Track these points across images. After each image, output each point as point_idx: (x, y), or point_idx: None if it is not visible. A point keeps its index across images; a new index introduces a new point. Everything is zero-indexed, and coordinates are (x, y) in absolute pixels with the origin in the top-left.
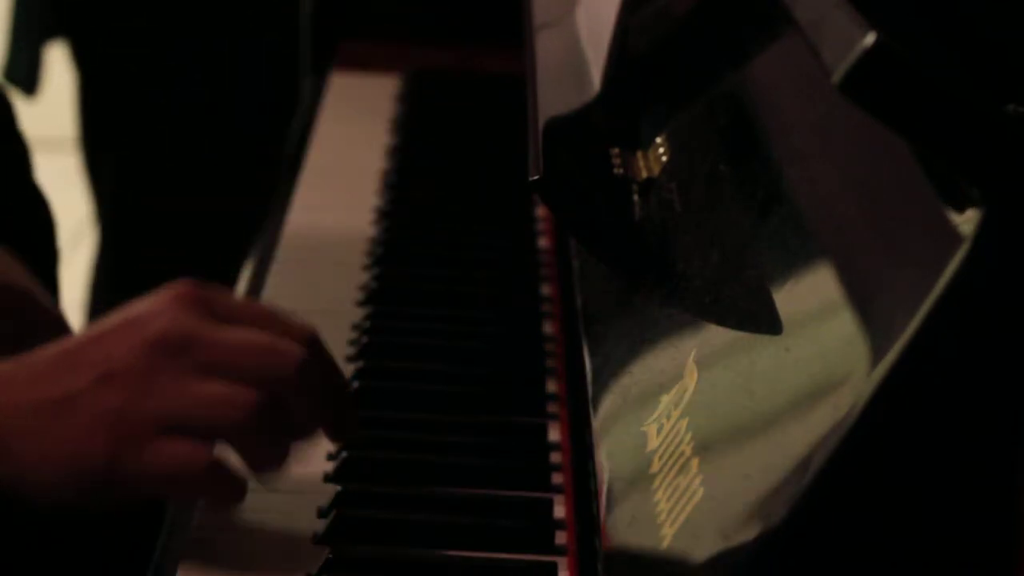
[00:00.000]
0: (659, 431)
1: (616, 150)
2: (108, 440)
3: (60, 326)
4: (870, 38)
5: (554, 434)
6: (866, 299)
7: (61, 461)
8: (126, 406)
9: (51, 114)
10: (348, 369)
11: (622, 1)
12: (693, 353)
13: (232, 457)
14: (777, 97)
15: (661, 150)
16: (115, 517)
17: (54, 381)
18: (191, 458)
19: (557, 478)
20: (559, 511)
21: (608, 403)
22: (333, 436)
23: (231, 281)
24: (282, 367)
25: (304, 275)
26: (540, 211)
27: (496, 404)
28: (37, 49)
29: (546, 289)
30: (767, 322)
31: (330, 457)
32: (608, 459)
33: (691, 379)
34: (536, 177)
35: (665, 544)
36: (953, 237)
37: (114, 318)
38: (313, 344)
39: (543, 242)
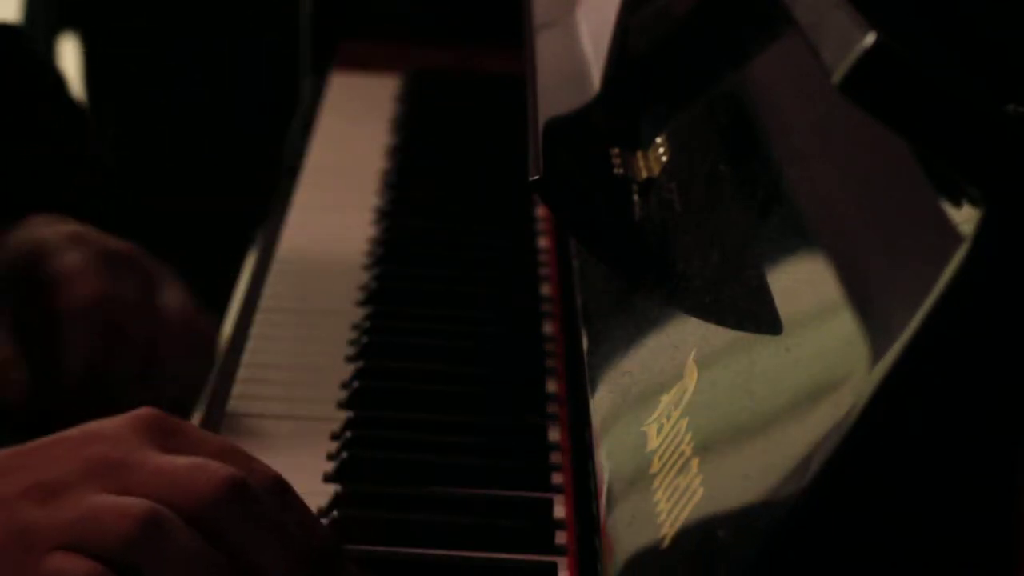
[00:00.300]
0: (659, 431)
1: (616, 150)
2: (13, 551)
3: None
4: (870, 38)
5: (554, 434)
6: (866, 299)
7: None
8: (39, 519)
9: None
10: (348, 369)
11: (622, 1)
12: (693, 353)
13: None
14: (777, 97)
15: (661, 150)
16: None
17: None
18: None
19: (557, 478)
20: (559, 511)
21: (608, 403)
22: None
23: (231, 281)
24: (202, 484)
25: (304, 275)
26: (540, 211)
27: (496, 404)
28: (49, 42)
29: (546, 289)
30: (767, 322)
31: (330, 457)
32: (608, 459)
33: (691, 379)
34: (536, 177)
35: (665, 544)
36: (953, 237)
37: (74, 430)
38: (276, 485)
39: (543, 242)
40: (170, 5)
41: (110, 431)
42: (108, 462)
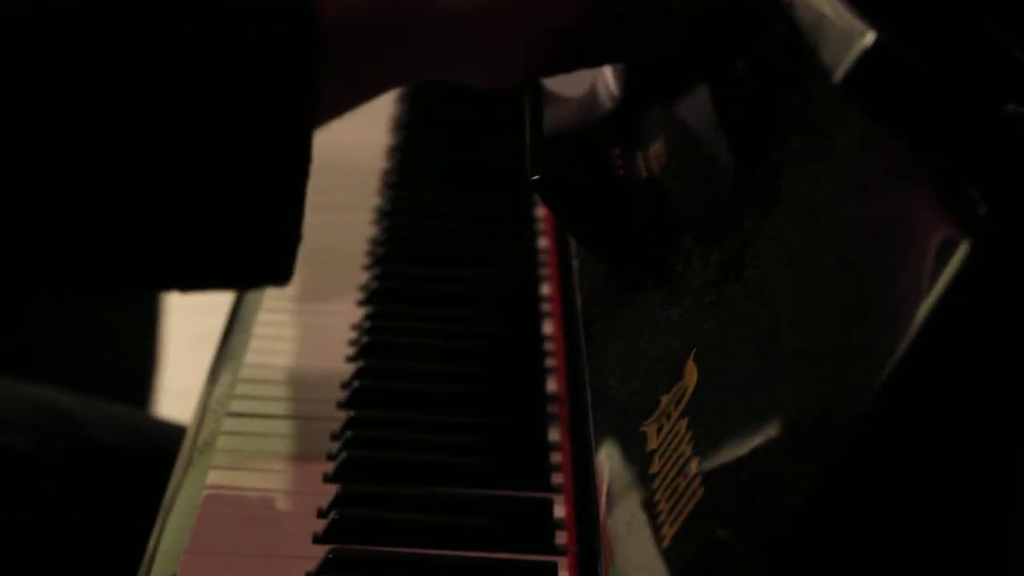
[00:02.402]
0: (659, 431)
1: (616, 150)
2: None
3: None
4: (870, 38)
5: (554, 434)
6: (866, 299)
7: None
8: None
9: None
10: (348, 369)
11: None
12: (693, 353)
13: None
14: (777, 96)
15: (661, 150)
16: (106, 531)
17: None
18: None
19: (557, 478)
20: (559, 511)
21: (608, 403)
22: None
23: None
24: None
25: (304, 275)
26: (540, 211)
27: (496, 404)
28: None
29: (546, 289)
30: (767, 322)
31: (330, 457)
32: (608, 459)
33: (691, 379)
34: (536, 177)
35: (665, 544)
36: (953, 237)
37: None
38: None
39: (543, 242)
40: None
41: None
42: None
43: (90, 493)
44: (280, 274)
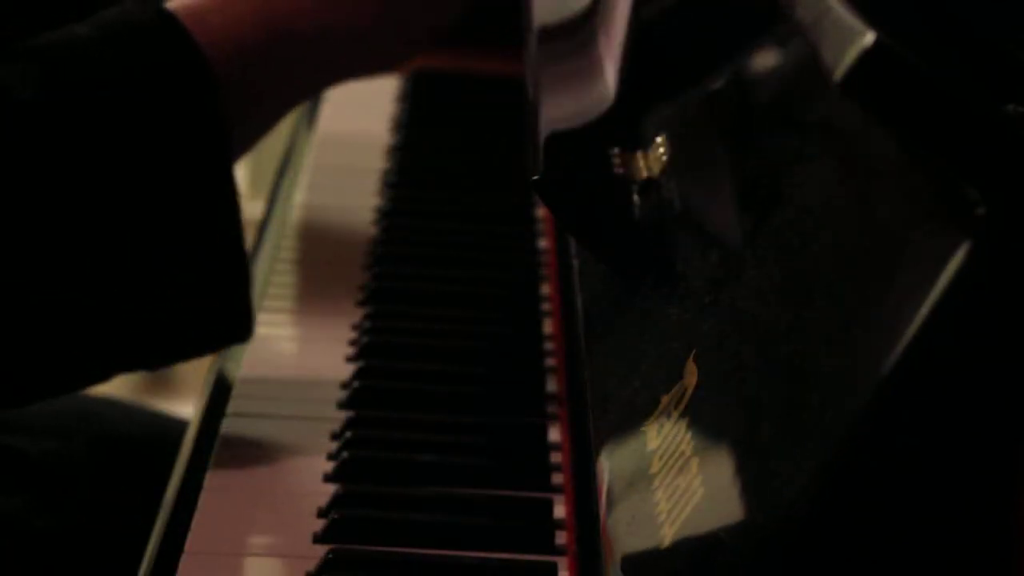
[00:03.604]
0: (659, 431)
1: (616, 150)
2: None
3: None
4: (870, 37)
5: (554, 434)
6: (866, 300)
7: None
8: None
9: None
10: (348, 369)
11: (633, 2)
12: (693, 353)
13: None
14: (777, 97)
15: (661, 150)
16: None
17: None
18: None
19: (557, 478)
20: (559, 511)
21: (608, 403)
22: None
23: None
24: None
25: (304, 275)
26: (540, 211)
27: (496, 404)
28: None
29: (546, 289)
30: (767, 322)
31: (330, 457)
32: (608, 459)
33: (691, 379)
34: (536, 177)
35: (665, 544)
36: (953, 237)
37: None
38: None
39: (543, 242)
40: None
41: None
42: None
43: (114, 491)
44: (240, 329)
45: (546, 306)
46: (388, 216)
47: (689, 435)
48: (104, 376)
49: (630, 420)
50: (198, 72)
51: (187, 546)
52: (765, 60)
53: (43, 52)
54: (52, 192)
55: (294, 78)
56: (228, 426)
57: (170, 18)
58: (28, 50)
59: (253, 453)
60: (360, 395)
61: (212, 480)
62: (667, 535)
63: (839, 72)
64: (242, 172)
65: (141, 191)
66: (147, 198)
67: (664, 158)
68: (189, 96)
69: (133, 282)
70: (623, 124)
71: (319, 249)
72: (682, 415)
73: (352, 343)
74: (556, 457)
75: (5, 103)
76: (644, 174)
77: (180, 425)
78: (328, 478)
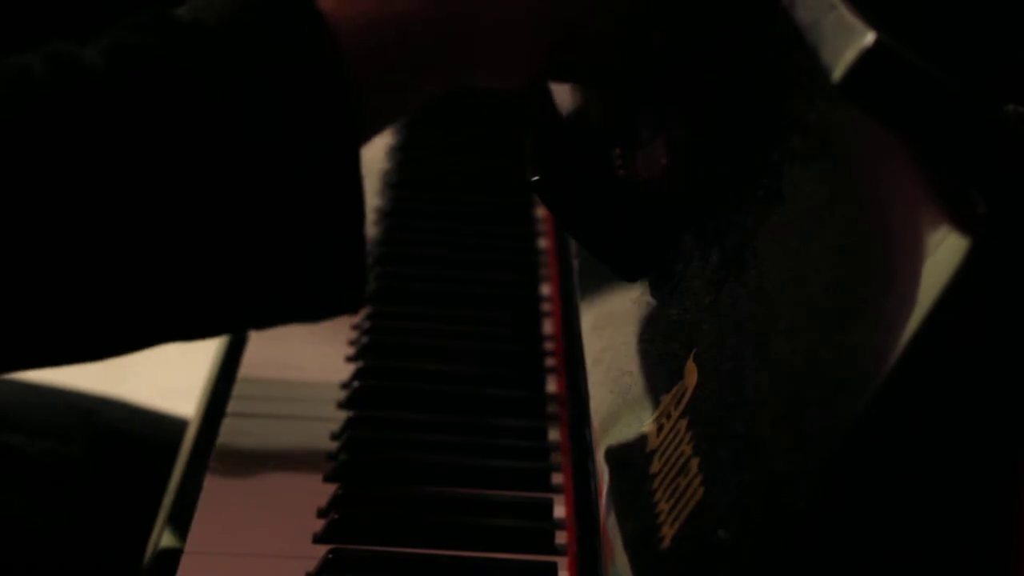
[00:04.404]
0: (659, 431)
1: (616, 150)
2: None
3: None
4: (870, 37)
5: (554, 434)
6: (867, 299)
7: None
8: None
9: None
10: (348, 369)
11: None
12: (693, 353)
13: None
14: (777, 97)
15: (661, 150)
16: (106, 527)
17: None
18: None
19: (557, 478)
20: (559, 511)
21: (608, 403)
22: None
23: None
24: None
25: None
26: (540, 211)
27: (496, 404)
28: None
29: (546, 289)
30: (767, 322)
31: (330, 457)
32: (608, 459)
33: (691, 379)
34: (536, 177)
35: (665, 544)
36: (953, 237)
37: None
38: None
39: (543, 242)
40: None
41: None
42: None
43: (113, 490)
44: (351, 299)
45: (546, 306)
46: (388, 216)
47: (689, 435)
48: (214, 331)
49: (630, 420)
50: (326, 59)
51: (187, 546)
52: (765, 60)
53: (170, 23)
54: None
55: (428, 66)
56: (228, 426)
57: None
58: (155, 19)
59: (253, 453)
60: (360, 395)
61: (212, 480)
62: (667, 535)
63: (839, 72)
64: None
65: (260, 179)
66: (265, 184)
67: (664, 158)
68: (317, 85)
69: (249, 251)
70: (623, 124)
71: None
72: (682, 415)
73: (352, 343)
74: (556, 457)
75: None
76: (644, 174)
77: (180, 425)
78: (328, 478)
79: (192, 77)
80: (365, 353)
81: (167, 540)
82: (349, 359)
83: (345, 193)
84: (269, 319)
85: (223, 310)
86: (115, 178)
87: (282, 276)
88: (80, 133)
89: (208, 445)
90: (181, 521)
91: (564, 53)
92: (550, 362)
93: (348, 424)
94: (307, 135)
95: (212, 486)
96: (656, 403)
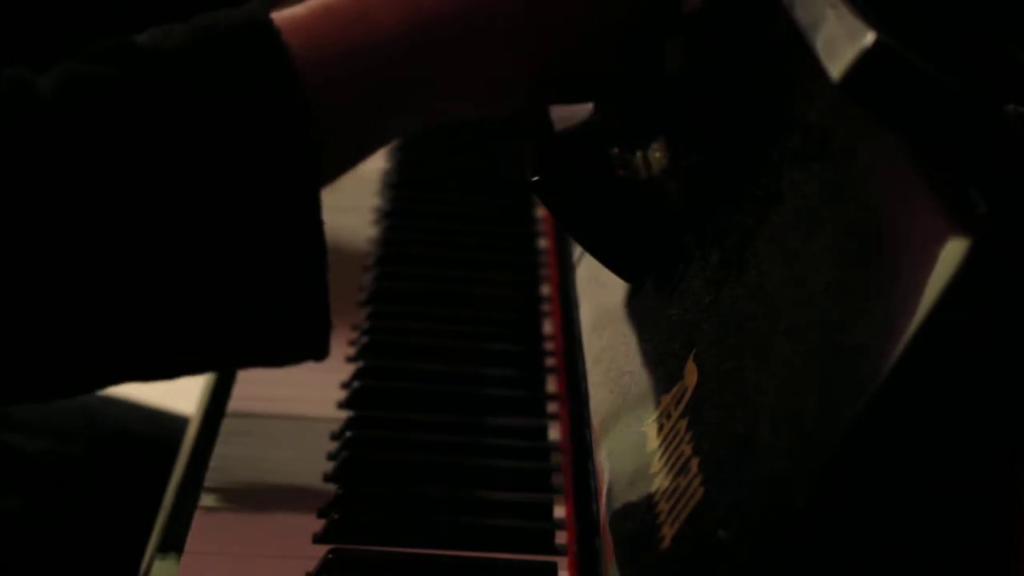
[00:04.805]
0: (659, 431)
1: (616, 150)
2: None
3: None
4: (870, 37)
5: (554, 434)
6: (867, 300)
7: None
8: None
9: None
10: (348, 369)
11: None
12: (693, 353)
13: None
14: (777, 97)
15: (661, 150)
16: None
17: None
18: None
19: (557, 478)
20: (559, 511)
21: (608, 403)
22: None
23: None
24: None
25: None
26: (540, 211)
27: (496, 404)
28: None
29: (546, 289)
30: (767, 322)
31: (330, 457)
32: (608, 459)
33: (691, 379)
34: (535, 178)
35: (665, 544)
36: (953, 237)
37: None
38: None
39: (543, 242)
40: None
41: None
42: None
43: (113, 490)
44: (315, 346)
45: (546, 306)
46: (388, 216)
47: (689, 435)
48: (173, 373)
49: (630, 420)
50: (287, 92)
51: (187, 546)
52: (765, 60)
53: (131, 51)
54: (125, 194)
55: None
56: (228, 426)
57: (266, 27)
58: (117, 47)
59: (253, 453)
60: (360, 395)
61: (212, 480)
62: (667, 535)
63: (839, 72)
64: None
65: (215, 208)
66: (221, 213)
67: (664, 158)
68: (275, 120)
69: (205, 290)
70: (623, 124)
71: None
72: (682, 415)
73: (352, 343)
74: (556, 457)
75: (91, 94)
76: (644, 174)
77: (180, 424)
78: (328, 478)
79: (143, 110)
80: (365, 353)
81: (167, 540)
82: (349, 359)
83: (302, 235)
84: (229, 363)
85: (176, 353)
86: (55, 212)
87: (237, 319)
88: (19, 167)
89: (208, 444)
90: (181, 521)
91: (552, 69)
92: (550, 362)
93: (348, 424)
94: (262, 171)
95: (212, 486)
96: (656, 403)
